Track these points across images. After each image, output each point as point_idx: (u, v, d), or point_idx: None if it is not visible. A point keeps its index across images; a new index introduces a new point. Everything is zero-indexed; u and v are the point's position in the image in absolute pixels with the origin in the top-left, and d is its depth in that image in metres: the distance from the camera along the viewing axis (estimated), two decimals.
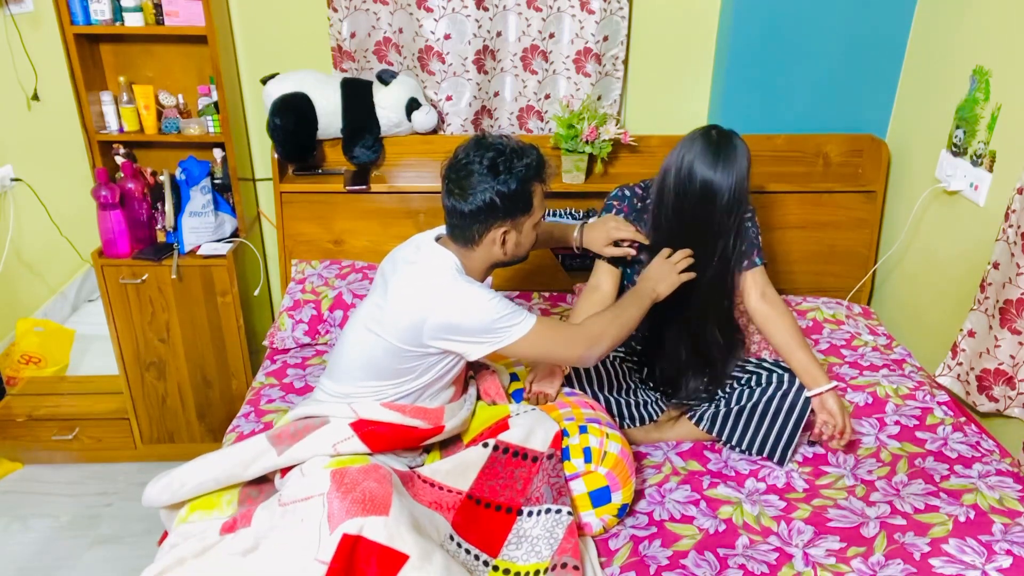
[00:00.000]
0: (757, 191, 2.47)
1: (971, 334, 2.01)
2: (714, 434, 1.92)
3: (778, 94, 2.51)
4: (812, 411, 1.85)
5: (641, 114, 2.65)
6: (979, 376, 1.99)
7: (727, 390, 1.92)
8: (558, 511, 1.56)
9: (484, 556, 1.56)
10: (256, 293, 2.67)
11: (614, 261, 1.93)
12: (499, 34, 2.47)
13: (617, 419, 1.90)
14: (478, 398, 1.82)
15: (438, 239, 1.66)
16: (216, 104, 2.42)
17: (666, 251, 1.82)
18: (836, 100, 2.52)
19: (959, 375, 2.06)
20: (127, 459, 2.70)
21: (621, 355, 2.04)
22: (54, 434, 2.62)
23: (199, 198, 2.42)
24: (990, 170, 2.04)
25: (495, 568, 1.54)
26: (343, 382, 1.65)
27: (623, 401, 1.94)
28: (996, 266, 1.92)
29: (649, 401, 1.98)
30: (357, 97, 2.40)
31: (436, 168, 2.50)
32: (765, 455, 1.88)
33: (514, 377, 1.91)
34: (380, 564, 1.37)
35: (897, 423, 2.00)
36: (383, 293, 1.60)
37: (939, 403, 2.05)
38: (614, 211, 1.96)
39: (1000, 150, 2.01)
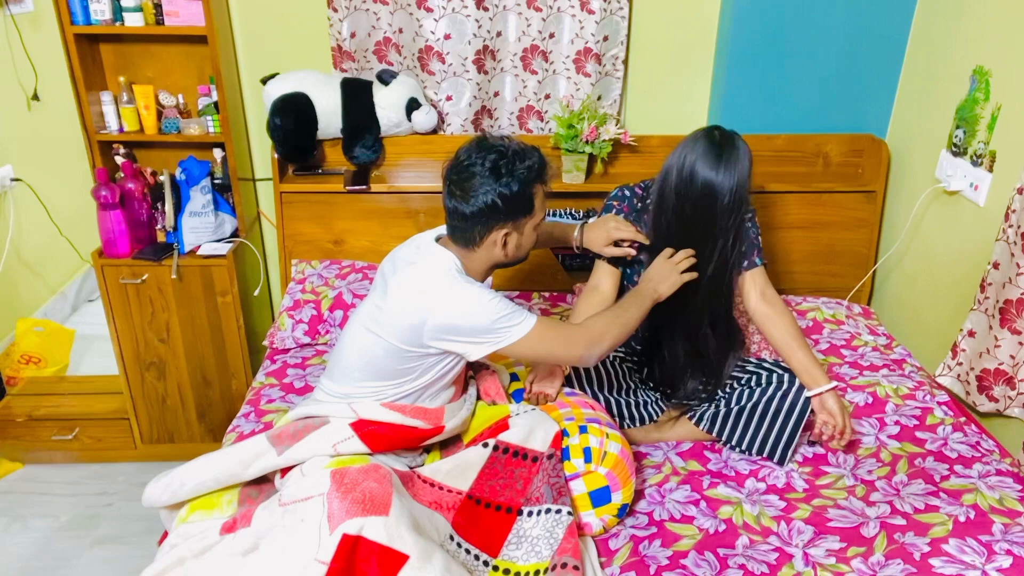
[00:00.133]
0: (757, 191, 2.47)
1: (971, 334, 2.01)
2: (714, 434, 1.92)
3: (778, 94, 2.51)
4: (812, 411, 1.85)
5: (641, 114, 2.65)
6: (979, 376, 1.99)
7: (727, 390, 1.92)
8: (558, 511, 1.56)
9: (484, 556, 1.56)
10: (256, 293, 2.67)
11: (614, 261, 1.93)
12: (499, 34, 2.47)
13: (617, 419, 1.90)
14: (478, 398, 1.82)
15: (438, 239, 1.66)
16: (216, 104, 2.42)
17: (668, 251, 1.82)
18: (836, 100, 2.52)
19: (959, 375, 2.06)
20: (127, 459, 2.70)
21: (621, 355, 2.04)
22: (54, 434, 2.62)
23: (199, 198, 2.42)
24: (990, 170, 2.04)
25: (495, 568, 1.54)
26: (343, 382, 1.65)
27: (623, 401, 1.94)
28: (996, 266, 1.92)
29: (649, 401, 1.98)
30: (357, 97, 2.40)
31: (436, 168, 2.51)
32: (765, 455, 1.88)
33: (514, 377, 1.91)
34: (380, 564, 1.37)
35: (897, 423, 2.00)
36: (383, 293, 1.60)
37: (939, 403, 2.05)
38: (614, 211, 1.96)
39: (1000, 150, 2.01)
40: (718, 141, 1.77)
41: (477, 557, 1.55)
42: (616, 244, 1.88)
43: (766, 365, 1.95)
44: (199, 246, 2.46)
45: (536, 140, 2.42)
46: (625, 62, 2.55)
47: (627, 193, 1.98)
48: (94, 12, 2.24)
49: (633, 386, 2.01)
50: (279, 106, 2.33)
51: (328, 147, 2.54)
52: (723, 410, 1.89)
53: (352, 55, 2.46)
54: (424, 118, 2.42)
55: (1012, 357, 1.91)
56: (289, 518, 1.45)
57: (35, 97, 2.56)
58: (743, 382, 1.92)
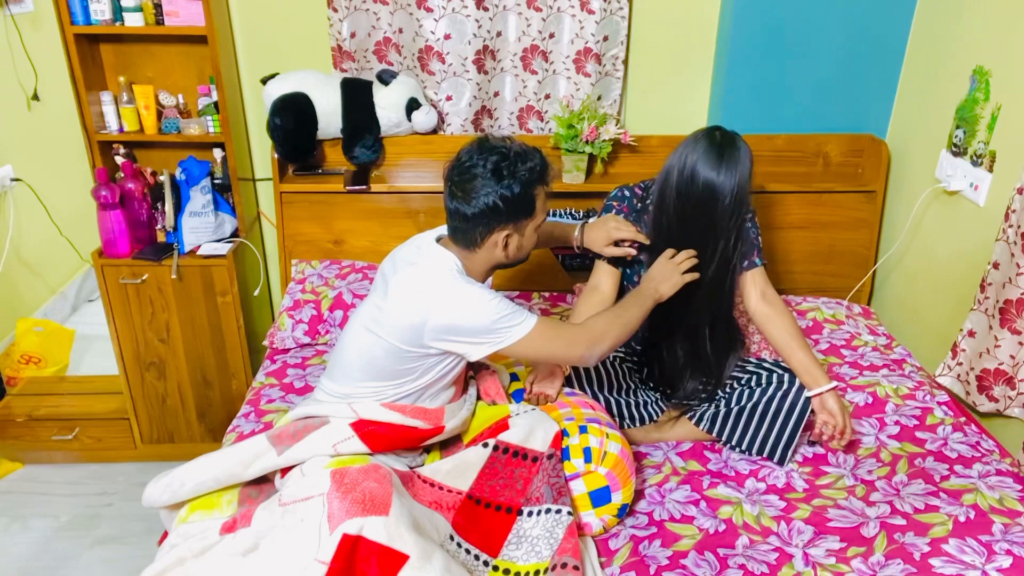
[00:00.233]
0: (757, 191, 2.47)
1: (971, 334, 2.01)
2: (714, 434, 1.92)
3: (778, 94, 2.51)
4: (812, 411, 1.85)
5: (641, 114, 2.65)
6: (979, 376, 1.99)
7: (727, 390, 1.92)
8: (558, 511, 1.56)
9: (484, 556, 1.56)
10: (256, 293, 2.67)
11: (614, 261, 1.93)
12: (499, 34, 2.47)
13: (617, 419, 1.90)
14: (478, 398, 1.82)
15: (439, 240, 1.66)
16: (216, 104, 2.42)
17: (669, 251, 1.82)
18: (836, 100, 2.52)
19: (959, 375, 2.06)
20: (127, 459, 2.70)
21: (621, 355, 2.04)
22: (54, 434, 2.62)
23: (199, 198, 2.42)
24: (990, 170, 2.04)
25: (495, 568, 1.54)
26: (343, 382, 1.65)
27: (623, 401, 1.94)
28: (996, 266, 1.92)
29: (649, 401, 1.98)
30: (357, 97, 2.40)
31: (436, 168, 2.51)
32: (765, 455, 1.88)
33: (514, 377, 1.91)
34: (380, 564, 1.37)
35: (897, 423, 2.00)
36: (383, 294, 1.60)
37: (939, 403, 2.05)
38: (614, 211, 1.96)
39: (1000, 150, 2.01)
40: (719, 142, 1.76)
41: (477, 557, 1.55)
42: (616, 244, 1.88)
43: (766, 365, 1.95)
44: (199, 246, 2.46)
45: (536, 140, 2.42)
46: (625, 62, 2.55)
47: (627, 193, 1.98)
48: (94, 12, 2.24)
49: (633, 386, 2.01)
50: (279, 106, 2.33)
51: (328, 147, 2.54)
52: (723, 410, 1.89)
53: (352, 55, 2.46)
54: (424, 118, 2.42)
55: (1012, 357, 1.91)
56: (289, 518, 1.45)
57: (35, 97, 2.56)
58: (743, 382, 1.92)
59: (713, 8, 2.51)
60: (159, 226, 2.51)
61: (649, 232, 1.89)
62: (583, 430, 1.70)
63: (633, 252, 1.88)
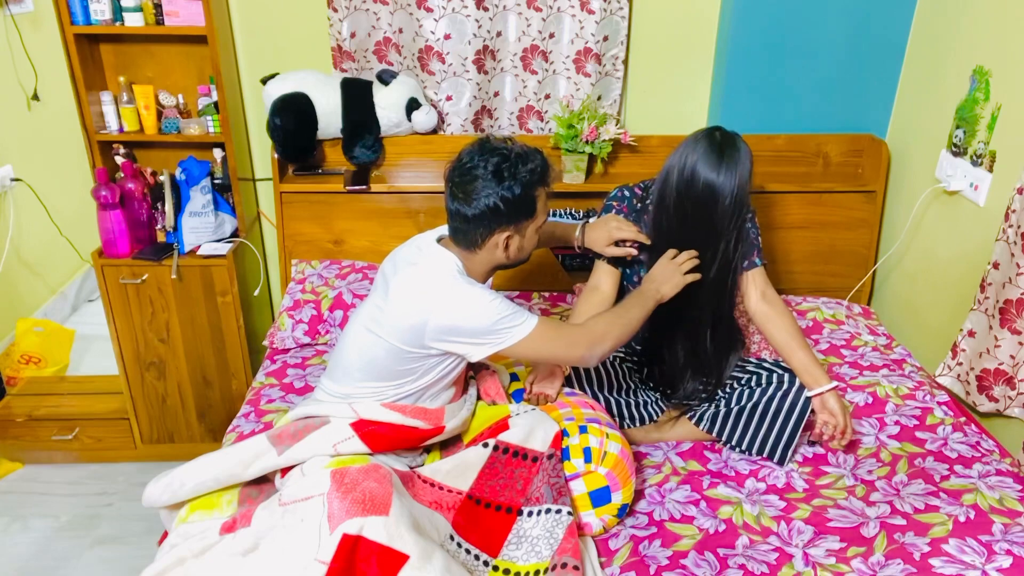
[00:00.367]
0: (757, 191, 2.47)
1: (971, 334, 2.01)
2: (714, 434, 1.92)
3: (778, 94, 2.51)
4: (812, 411, 1.85)
5: (641, 114, 2.65)
6: (979, 376, 1.99)
7: (727, 390, 1.92)
8: (558, 511, 1.56)
9: (484, 556, 1.56)
10: (256, 293, 2.67)
11: (614, 261, 1.93)
12: (499, 34, 2.47)
13: (617, 419, 1.90)
14: (478, 398, 1.82)
15: (439, 240, 1.66)
16: (216, 104, 2.42)
17: (671, 252, 1.82)
18: (836, 100, 2.52)
19: (959, 375, 2.06)
20: (127, 459, 2.70)
21: (621, 355, 2.04)
22: (54, 434, 2.62)
23: (199, 198, 2.42)
24: (990, 170, 2.04)
25: (495, 568, 1.54)
26: (343, 382, 1.65)
27: (623, 401, 1.94)
28: (996, 266, 1.92)
29: (649, 401, 1.98)
30: (357, 97, 2.40)
31: (436, 168, 2.51)
32: (765, 455, 1.88)
33: (514, 377, 1.91)
34: (380, 564, 1.37)
35: (897, 423, 2.00)
36: (384, 294, 1.60)
37: (939, 403, 2.05)
38: (614, 211, 1.96)
39: (1000, 150, 2.01)
40: (719, 142, 1.76)
41: (477, 557, 1.55)
42: (617, 244, 1.88)
43: (766, 365, 1.95)
44: (199, 246, 2.46)
45: (536, 140, 2.42)
46: (625, 62, 2.55)
47: (626, 193, 1.98)
48: (94, 12, 2.24)
49: (633, 386, 2.01)
50: (279, 106, 2.33)
51: (328, 147, 2.54)
52: (723, 410, 1.89)
53: (352, 55, 2.46)
54: (424, 118, 2.42)
55: (1012, 357, 1.91)
56: (289, 518, 1.45)
57: (35, 97, 2.56)
58: (743, 382, 1.92)
59: (713, 8, 2.51)
60: (159, 226, 2.51)
61: (649, 232, 1.89)
62: (583, 430, 1.70)
63: (634, 252, 1.88)
